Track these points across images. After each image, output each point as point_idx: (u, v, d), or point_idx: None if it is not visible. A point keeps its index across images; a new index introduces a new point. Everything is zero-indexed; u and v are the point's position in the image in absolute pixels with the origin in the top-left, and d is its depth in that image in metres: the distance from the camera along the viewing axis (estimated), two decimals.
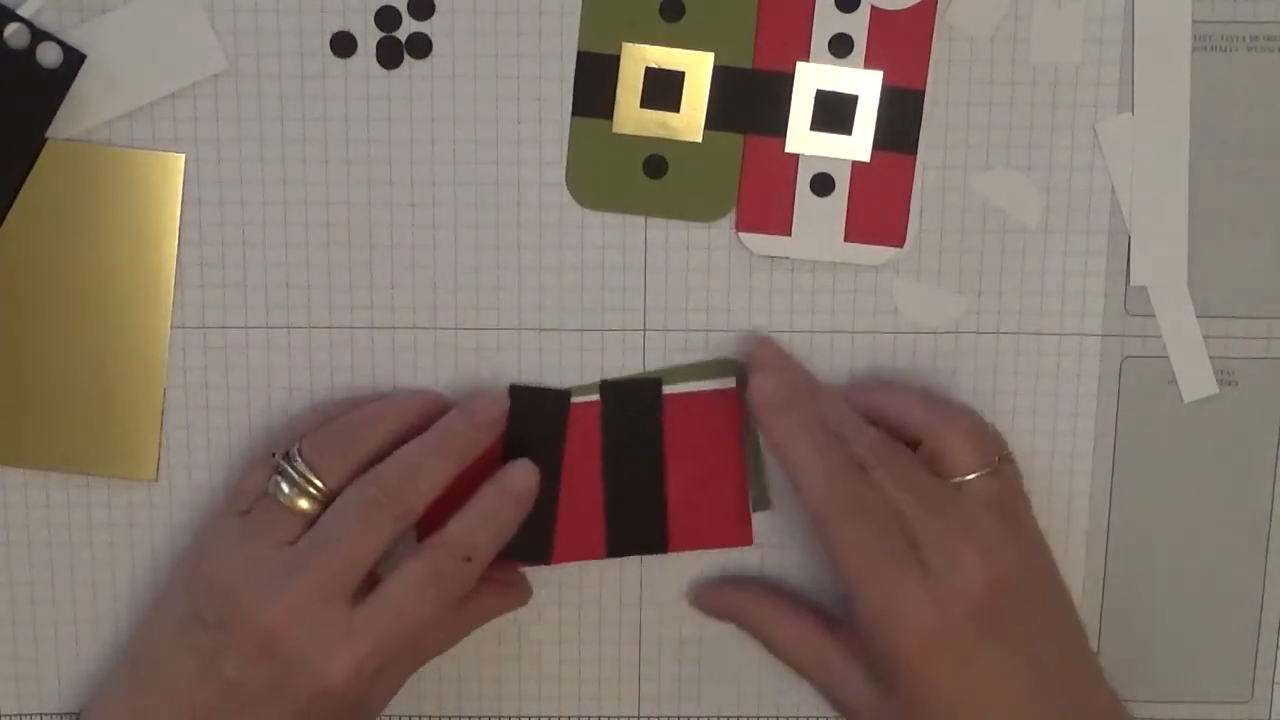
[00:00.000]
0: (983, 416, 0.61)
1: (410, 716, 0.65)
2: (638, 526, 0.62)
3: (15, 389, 0.61)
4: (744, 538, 0.63)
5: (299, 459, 0.58)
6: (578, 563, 0.63)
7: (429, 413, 0.60)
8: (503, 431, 0.61)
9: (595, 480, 0.62)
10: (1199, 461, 0.63)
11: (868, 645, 0.58)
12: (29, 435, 0.62)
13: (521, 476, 0.60)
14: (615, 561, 0.64)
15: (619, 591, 0.64)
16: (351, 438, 0.59)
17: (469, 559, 0.58)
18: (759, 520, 0.63)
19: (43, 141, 0.60)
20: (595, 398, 0.62)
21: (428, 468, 0.58)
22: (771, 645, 0.62)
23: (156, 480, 0.63)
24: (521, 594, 0.63)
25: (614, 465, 0.62)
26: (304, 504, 0.58)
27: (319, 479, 0.58)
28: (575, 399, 0.62)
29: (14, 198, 0.60)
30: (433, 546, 0.58)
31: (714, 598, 0.63)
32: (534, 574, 0.63)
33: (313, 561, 0.57)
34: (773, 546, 0.63)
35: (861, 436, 0.59)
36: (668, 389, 0.62)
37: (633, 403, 0.62)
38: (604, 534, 0.63)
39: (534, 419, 0.62)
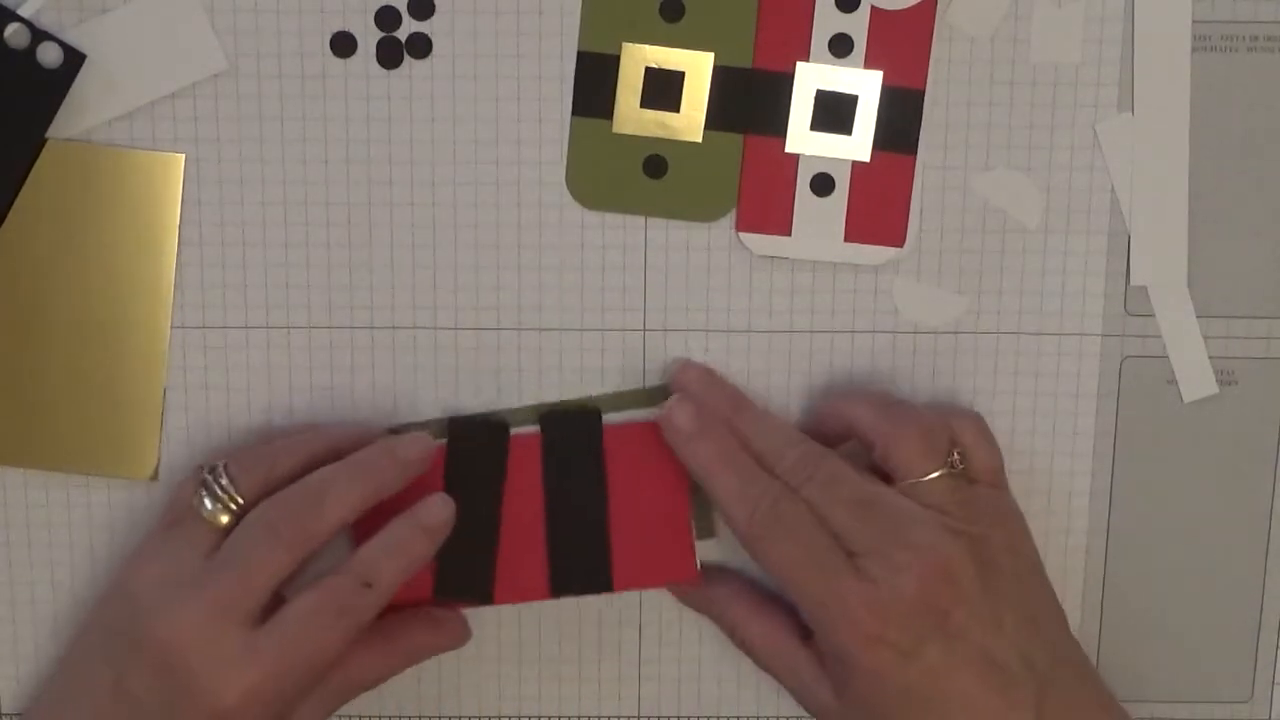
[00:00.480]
0: (936, 418, 0.60)
1: (411, 716, 0.65)
2: (582, 565, 0.61)
3: (15, 389, 0.61)
4: (689, 573, 0.62)
5: (224, 474, 0.58)
6: None
7: (363, 445, 0.59)
8: (440, 467, 0.60)
9: (537, 516, 0.61)
10: (1199, 461, 0.63)
11: (824, 650, 0.58)
12: (29, 435, 0.62)
13: (434, 510, 0.58)
14: None
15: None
16: (276, 456, 0.59)
17: (369, 586, 0.57)
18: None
19: (43, 141, 0.60)
20: (535, 429, 0.62)
21: (336, 493, 0.57)
22: (744, 647, 0.62)
23: (156, 480, 0.63)
24: (456, 631, 0.62)
25: (556, 500, 0.61)
26: (225, 519, 0.57)
27: (240, 495, 0.58)
28: (515, 430, 0.62)
29: (14, 198, 0.60)
30: (334, 574, 0.57)
31: (695, 591, 0.63)
32: None
33: (212, 581, 0.56)
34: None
35: (783, 457, 0.59)
36: (608, 419, 0.62)
37: (573, 434, 0.61)
38: (547, 573, 0.62)
39: (473, 451, 0.61)
